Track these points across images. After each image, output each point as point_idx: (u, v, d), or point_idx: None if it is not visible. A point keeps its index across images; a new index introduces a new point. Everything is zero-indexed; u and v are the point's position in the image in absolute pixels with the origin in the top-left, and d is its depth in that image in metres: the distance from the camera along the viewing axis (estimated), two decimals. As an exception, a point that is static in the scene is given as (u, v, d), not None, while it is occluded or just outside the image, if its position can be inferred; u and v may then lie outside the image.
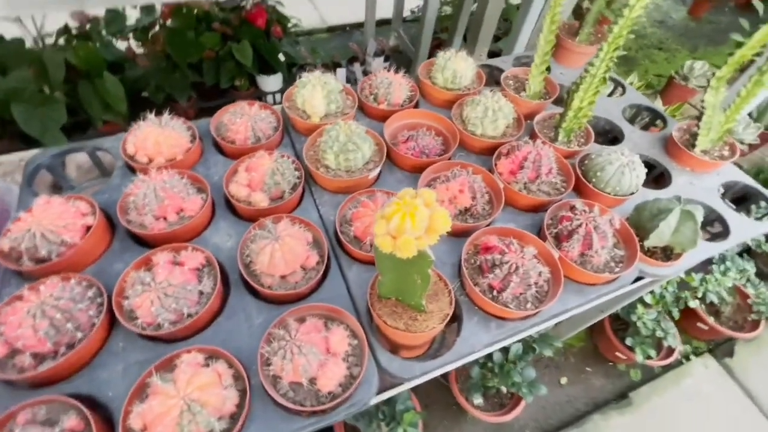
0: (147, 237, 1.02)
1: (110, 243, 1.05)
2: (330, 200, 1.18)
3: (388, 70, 1.42)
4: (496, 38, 3.23)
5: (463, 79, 1.45)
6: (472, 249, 1.08)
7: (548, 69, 1.45)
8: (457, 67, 1.43)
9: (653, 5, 5.48)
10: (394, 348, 0.95)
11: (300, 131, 1.33)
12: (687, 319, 2.30)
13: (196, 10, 2.94)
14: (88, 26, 2.58)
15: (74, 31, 2.54)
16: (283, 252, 0.93)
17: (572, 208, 1.08)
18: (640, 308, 2.09)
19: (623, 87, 1.69)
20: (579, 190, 1.24)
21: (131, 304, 0.86)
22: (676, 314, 2.12)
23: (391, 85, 1.38)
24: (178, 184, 1.04)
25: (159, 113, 1.18)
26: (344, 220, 1.10)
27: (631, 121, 1.64)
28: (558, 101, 1.50)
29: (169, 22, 2.81)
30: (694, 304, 2.10)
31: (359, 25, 4.16)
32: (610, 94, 1.68)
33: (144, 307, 0.85)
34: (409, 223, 0.70)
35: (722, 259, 2.34)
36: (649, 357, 2.08)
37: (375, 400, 0.95)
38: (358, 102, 1.40)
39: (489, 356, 1.81)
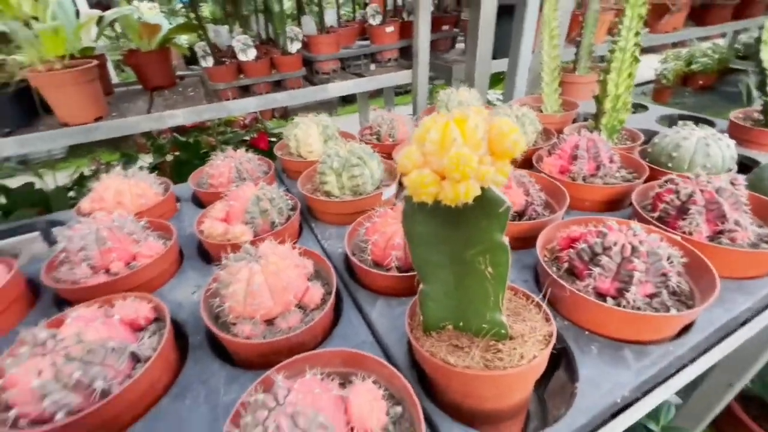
0: (75, 295, 0.70)
1: (23, 317, 0.72)
2: (336, 233, 0.89)
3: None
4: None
5: (471, 110, 1.32)
6: (548, 255, 0.74)
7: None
8: (461, 98, 1.31)
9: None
10: (469, 416, 0.53)
11: (295, 174, 1.12)
12: None
13: (203, 145, 3.13)
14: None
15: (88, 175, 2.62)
16: (266, 276, 0.60)
17: (668, 181, 0.78)
18: (778, 374, 1.51)
19: (645, 107, 1.55)
20: (655, 179, 0.95)
21: (5, 382, 0.50)
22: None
23: (393, 121, 1.24)
24: (131, 226, 0.78)
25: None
26: (357, 242, 0.79)
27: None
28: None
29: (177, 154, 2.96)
30: None
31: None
32: (633, 113, 1.54)
33: (23, 384, 0.48)
34: (458, 133, 0.42)
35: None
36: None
37: None
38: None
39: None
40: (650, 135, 1.31)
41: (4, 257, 0.77)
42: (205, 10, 3.73)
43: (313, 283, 0.69)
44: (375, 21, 2.17)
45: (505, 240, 0.47)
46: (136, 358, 0.57)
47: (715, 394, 1.43)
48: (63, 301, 0.74)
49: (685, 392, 1.64)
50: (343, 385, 0.52)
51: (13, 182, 2.23)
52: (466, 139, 0.42)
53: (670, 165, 0.94)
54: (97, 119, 1.74)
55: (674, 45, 6.10)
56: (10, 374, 0.49)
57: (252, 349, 0.59)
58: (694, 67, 5.67)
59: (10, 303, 0.70)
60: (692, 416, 1.55)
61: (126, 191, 0.92)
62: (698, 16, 2.96)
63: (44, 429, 0.47)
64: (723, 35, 5.69)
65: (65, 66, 1.47)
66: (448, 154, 0.41)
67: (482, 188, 0.42)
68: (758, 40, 1.02)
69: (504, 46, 1.91)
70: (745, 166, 1.14)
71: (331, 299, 0.65)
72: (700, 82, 5.81)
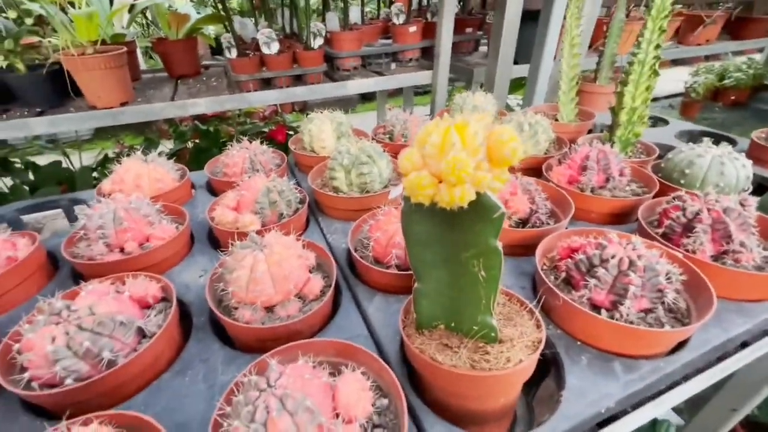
0: (90, 271, 0.74)
1: (42, 287, 0.77)
2: (341, 228, 0.91)
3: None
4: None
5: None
6: (547, 263, 0.74)
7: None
8: (476, 102, 1.31)
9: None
10: (453, 415, 0.54)
11: (306, 169, 1.15)
12: None
13: (222, 134, 3.19)
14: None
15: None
16: (269, 264, 0.63)
17: (675, 198, 0.77)
18: (787, 403, 1.47)
19: (665, 121, 1.52)
20: (665, 195, 0.94)
21: (22, 345, 0.54)
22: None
23: (407, 122, 1.26)
24: (146, 209, 0.81)
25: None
26: (360, 239, 0.81)
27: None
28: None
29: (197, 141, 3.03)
30: None
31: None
32: (653, 126, 1.51)
33: (38, 348, 0.52)
34: (457, 138, 0.43)
35: None
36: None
37: None
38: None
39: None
40: (666, 150, 1.29)
41: (28, 231, 0.82)
42: (233, 1, 3.80)
43: (314, 274, 0.71)
44: (399, 20, 2.18)
45: (499, 245, 0.48)
46: (142, 333, 0.60)
47: (717, 418, 1.40)
48: (79, 275, 0.78)
49: (689, 414, 1.61)
50: (333, 374, 0.54)
51: (42, 159, 2.33)
52: (465, 145, 0.43)
53: (682, 182, 0.93)
54: (124, 104, 1.81)
55: (707, 58, 5.89)
56: (27, 338, 0.53)
57: (251, 334, 0.61)
58: (726, 81, 5.45)
59: (32, 273, 0.75)
60: (694, 440, 1.52)
61: (145, 175, 0.96)
62: (734, 30, 2.87)
63: (54, 392, 0.51)
64: (760, 50, 5.47)
65: (97, 51, 1.54)
66: (446, 157, 0.43)
67: (478, 193, 0.43)
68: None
69: (527, 51, 1.90)
70: (762, 187, 1.11)
71: (330, 291, 0.67)
72: (732, 97, 5.59)
